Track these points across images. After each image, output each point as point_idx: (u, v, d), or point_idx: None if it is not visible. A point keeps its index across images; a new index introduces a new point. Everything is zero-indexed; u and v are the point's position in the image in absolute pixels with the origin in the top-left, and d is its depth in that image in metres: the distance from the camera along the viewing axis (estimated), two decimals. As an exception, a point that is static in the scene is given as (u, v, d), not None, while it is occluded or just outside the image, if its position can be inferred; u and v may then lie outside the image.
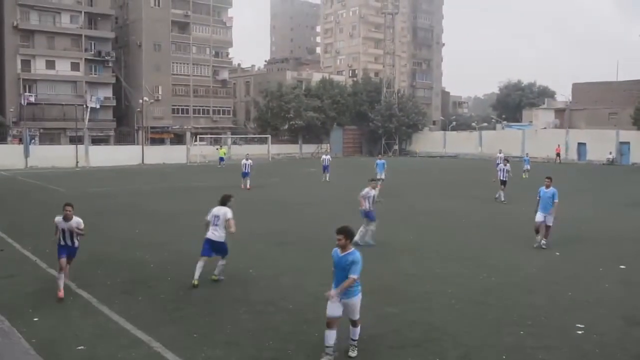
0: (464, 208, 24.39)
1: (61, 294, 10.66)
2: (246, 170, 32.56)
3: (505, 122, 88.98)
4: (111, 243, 16.08)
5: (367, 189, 16.21)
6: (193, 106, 79.67)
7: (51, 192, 31.97)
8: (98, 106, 70.42)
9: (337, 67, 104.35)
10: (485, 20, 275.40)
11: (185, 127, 75.45)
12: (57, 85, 70.10)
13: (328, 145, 77.92)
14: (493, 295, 11.08)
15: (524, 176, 38.27)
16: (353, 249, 7.88)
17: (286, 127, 76.01)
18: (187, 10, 78.65)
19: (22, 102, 66.02)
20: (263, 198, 28.03)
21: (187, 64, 79.20)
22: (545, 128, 73.15)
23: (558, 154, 62.53)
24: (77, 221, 11.04)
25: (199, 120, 79.67)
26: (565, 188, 26.33)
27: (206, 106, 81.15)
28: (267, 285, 11.75)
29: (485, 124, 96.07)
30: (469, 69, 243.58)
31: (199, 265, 11.72)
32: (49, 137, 67.28)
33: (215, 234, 11.88)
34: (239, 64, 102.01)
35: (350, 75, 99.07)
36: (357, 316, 7.97)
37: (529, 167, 41.09)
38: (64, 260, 10.95)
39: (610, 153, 61.95)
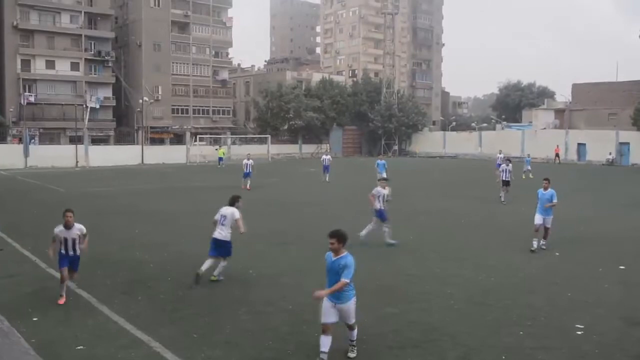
0: (463, 208, 24.38)
1: (62, 300, 10.40)
2: (247, 171, 32.52)
3: (505, 122, 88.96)
4: (111, 243, 16.07)
5: (377, 188, 16.32)
6: (193, 106, 79.69)
7: (51, 192, 31.98)
8: (98, 106, 70.46)
9: (337, 67, 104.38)
10: (485, 21, 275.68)
11: (185, 127, 75.46)
12: (57, 85, 70.14)
13: (328, 145, 77.91)
14: (492, 296, 11.09)
15: (523, 177, 38.25)
16: (346, 252, 7.69)
17: (286, 127, 76.04)
18: (187, 10, 78.69)
19: (22, 101, 66.05)
20: (263, 198, 28.02)
21: (187, 64, 79.22)
22: (544, 128, 73.12)
23: (557, 155, 62.52)
24: (79, 228, 10.57)
25: (198, 120, 79.68)
26: (564, 189, 26.41)
27: (206, 106, 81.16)
28: (267, 286, 11.75)
29: (485, 125, 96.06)
30: (469, 70, 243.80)
31: (207, 262, 11.93)
32: (49, 137, 67.31)
33: (222, 233, 11.97)
34: (238, 64, 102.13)
35: (350, 75, 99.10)
36: (352, 320, 7.87)
37: (529, 167, 41.06)
38: (65, 271, 10.50)
39: (610, 154, 61.91)
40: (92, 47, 72.65)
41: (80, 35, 71.30)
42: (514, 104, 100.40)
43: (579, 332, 9.07)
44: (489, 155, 66.42)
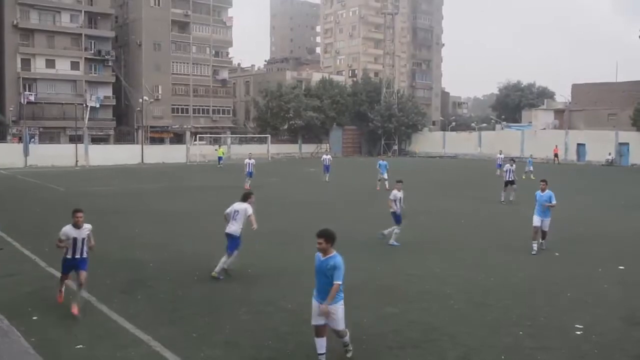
0: (463, 208, 24.38)
1: (61, 299, 10.16)
2: (249, 170, 32.46)
3: (504, 122, 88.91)
4: (111, 242, 16.04)
5: (394, 191, 16.33)
6: (193, 106, 79.70)
7: (51, 191, 31.97)
8: (98, 105, 70.46)
9: (337, 67, 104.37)
10: (485, 21, 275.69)
11: (185, 126, 75.47)
12: (57, 84, 70.12)
13: (328, 145, 77.88)
14: (492, 296, 11.09)
15: (524, 177, 38.25)
16: (334, 252, 7.43)
17: (286, 127, 76.03)
18: (187, 9, 78.69)
19: (22, 101, 66.11)
20: (263, 198, 27.92)
21: (187, 63, 79.23)
22: (544, 129, 73.12)
23: (556, 155, 62.49)
24: (88, 228, 10.02)
25: (198, 120, 79.70)
26: (564, 189, 26.39)
27: (206, 106, 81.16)
28: (267, 285, 11.74)
29: (485, 125, 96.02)
30: (469, 70, 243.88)
31: (234, 256, 12.25)
32: (49, 136, 67.30)
33: (232, 227, 12.19)
34: (238, 64, 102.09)
35: (350, 75, 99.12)
36: (341, 326, 7.55)
37: (531, 168, 41.01)
38: (65, 277, 10.20)
39: (610, 154, 61.92)
40: (92, 47, 72.63)
41: (81, 34, 71.30)
42: (513, 104, 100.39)
43: (579, 332, 9.07)
44: (488, 155, 66.47)
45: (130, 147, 65.27)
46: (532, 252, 14.78)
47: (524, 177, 38.22)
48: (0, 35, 67.01)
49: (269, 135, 72.75)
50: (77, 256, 9.86)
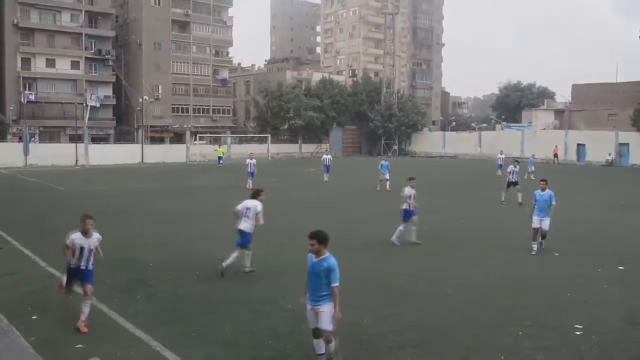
0: (463, 208, 24.39)
1: (62, 294, 9.63)
2: (251, 170, 32.38)
3: (504, 122, 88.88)
4: (110, 242, 15.98)
5: (407, 189, 16.31)
6: (193, 105, 79.70)
7: (51, 191, 31.97)
8: (98, 105, 70.43)
9: (337, 67, 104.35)
10: (485, 21, 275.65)
11: (185, 126, 75.40)
12: (57, 83, 70.10)
13: (328, 145, 77.88)
14: (492, 296, 11.09)
15: (525, 177, 38.18)
16: (328, 254, 7.28)
17: (286, 126, 75.98)
18: (188, 9, 78.68)
19: (22, 100, 66.11)
20: (264, 198, 27.98)
21: (187, 63, 79.23)
22: (544, 129, 73.09)
23: (556, 155, 62.47)
24: (97, 237, 9.36)
25: (198, 120, 79.69)
26: (564, 189, 26.35)
27: (206, 105, 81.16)
28: (266, 285, 11.74)
29: (485, 125, 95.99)
30: (469, 70, 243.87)
31: (246, 254, 12.48)
32: (49, 135, 67.29)
33: (244, 224, 12.44)
34: (239, 64, 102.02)
35: (350, 75, 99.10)
36: (328, 326, 7.28)
37: (533, 168, 40.94)
38: (67, 288, 9.46)
39: (610, 154, 61.90)
40: (93, 46, 72.61)
41: (81, 33, 71.29)
42: (513, 104, 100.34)
43: (578, 333, 9.07)
44: (488, 155, 66.49)
45: (130, 147, 65.24)
46: (532, 253, 14.74)
47: (525, 177, 38.17)
48: (1, 35, 66.98)
49: (269, 135, 72.76)
50: (83, 266, 9.18)
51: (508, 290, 11.55)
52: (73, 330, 8.88)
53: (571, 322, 9.46)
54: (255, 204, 12.55)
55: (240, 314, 9.81)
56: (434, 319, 9.67)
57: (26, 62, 68.44)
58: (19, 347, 8.35)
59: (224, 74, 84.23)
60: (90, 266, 9.28)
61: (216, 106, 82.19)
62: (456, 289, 11.51)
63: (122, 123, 75.84)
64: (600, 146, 62.43)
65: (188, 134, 70.47)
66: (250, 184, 31.60)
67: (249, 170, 32.52)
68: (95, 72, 73.22)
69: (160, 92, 75.50)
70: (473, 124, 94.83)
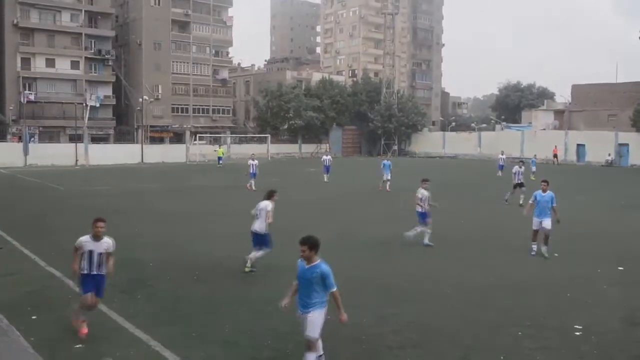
0: (463, 208, 24.37)
1: (85, 329, 8.63)
2: (253, 171, 32.28)
3: (504, 123, 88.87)
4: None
5: (421, 190, 16.28)
6: (193, 105, 79.69)
7: (50, 191, 31.97)
8: (98, 105, 70.41)
9: (337, 67, 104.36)
10: (485, 22, 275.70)
11: (185, 126, 75.38)
12: (57, 83, 70.07)
13: (328, 145, 77.92)
14: (492, 296, 11.10)
15: (531, 177, 38.03)
16: (319, 260, 7.08)
17: (286, 126, 75.96)
18: (188, 9, 78.67)
19: (22, 100, 66.13)
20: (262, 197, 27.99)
21: (187, 63, 79.22)
22: (544, 129, 73.11)
23: (555, 155, 62.50)
24: (108, 242, 8.81)
25: (198, 120, 79.68)
26: (564, 189, 26.35)
27: (206, 105, 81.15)
28: (266, 285, 11.73)
29: (485, 125, 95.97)
30: (469, 70, 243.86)
31: (252, 254, 12.63)
32: (49, 135, 67.27)
33: (256, 225, 12.69)
34: (239, 64, 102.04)
35: (350, 75, 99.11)
36: (313, 333, 7.08)
37: (535, 169, 40.83)
38: (90, 296, 8.65)
39: (609, 154, 61.96)
40: (93, 46, 72.58)
41: (81, 33, 71.26)
42: (513, 104, 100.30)
43: (578, 333, 9.08)
44: (488, 155, 66.54)
45: (130, 147, 65.22)
46: (531, 253, 14.73)
47: (532, 178, 38.06)
48: (1, 35, 66.96)
49: (268, 135, 72.75)
50: (94, 272, 8.67)
51: (508, 290, 11.56)
52: (73, 330, 8.88)
53: (571, 323, 9.47)
54: (267, 204, 12.78)
55: (240, 314, 9.81)
56: (434, 319, 9.68)
57: (26, 62, 68.41)
58: (19, 347, 8.36)
59: (224, 74, 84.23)
60: (103, 271, 8.77)
61: (216, 106, 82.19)
62: (456, 289, 11.52)
63: (122, 123, 75.84)
64: (600, 146, 62.48)
65: (188, 134, 70.44)
66: (252, 184, 31.56)
67: (251, 171, 32.31)
68: (95, 72, 73.19)
69: (160, 92, 75.49)
70: (473, 124, 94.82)
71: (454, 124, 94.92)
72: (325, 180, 36.62)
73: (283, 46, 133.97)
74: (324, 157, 39.75)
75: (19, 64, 67.58)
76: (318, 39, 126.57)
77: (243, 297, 10.88)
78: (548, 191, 14.79)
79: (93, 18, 73.31)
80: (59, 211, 23.02)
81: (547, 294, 11.35)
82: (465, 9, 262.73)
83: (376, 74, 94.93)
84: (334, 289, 7.03)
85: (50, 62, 69.65)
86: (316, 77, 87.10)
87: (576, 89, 74.85)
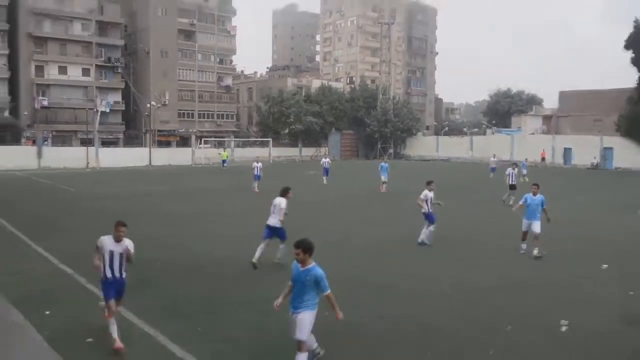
0: (458, 210, 24.34)
1: (119, 343, 7.93)
2: (257, 173, 32.19)
3: (495, 127, 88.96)
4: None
5: (425, 192, 16.24)
6: (198, 111, 79.66)
7: (62, 192, 31.99)
8: (108, 110, 70.37)
9: (336, 75, 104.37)
10: (476, 31, 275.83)
11: (191, 130, 75.48)
12: (69, 89, 70.01)
13: (327, 148, 78.00)
14: (484, 295, 11.09)
15: (522, 180, 38.04)
16: (313, 264, 6.98)
17: (286, 131, 76.03)
18: (193, 19, 78.67)
19: (36, 105, 66.19)
20: (265, 199, 28.00)
21: (193, 70, 79.22)
22: (533, 134, 73.21)
23: (543, 159, 62.58)
24: (129, 244, 8.43)
25: (203, 124, 79.68)
26: (551, 191, 26.33)
27: (210, 111, 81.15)
28: (268, 284, 11.72)
29: (476, 130, 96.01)
30: (461, 77, 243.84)
31: (260, 247, 12.90)
32: (61, 139, 67.26)
33: (271, 220, 13.09)
34: (242, 71, 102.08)
35: (348, 82, 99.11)
36: (301, 335, 6.98)
37: (525, 171, 40.82)
38: (113, 304, 8.17)
39: (595, 158, 62.12)
40: (103, 54, 72.59)
41: (91, 42, 71.24)
42: (503, 110, 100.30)
43: (564, 328, 9.10)
44: (479, 158, 66.61)
45: (138, 150, 65.36)
46: (520, 252, 14.68)
47: (522, 180, 38.07)
48: (16, 44, 66.95)
49: (270, 139, 72.73)
50: (117, 275, 8.29)
51: (500, 289, 11.56)
52: (84, 325, 8.92)
53: (558, 319, 9.48)
54: (280, 201, 13.05)
55: (243, 313, 9.81)
56: (430, 317, 9.70)
57: (39, 69, 68.40)
58: (34, 341, 8.40)
59: (228, 80, 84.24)
60: (124, 275, 8.40)
61: (220, 111, 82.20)
62: (452, 288, 11.50)
63: (131, 127, 75.82)
64: (585, 150, 62.71)
65: (193, 138, 70.49)
66: (255, 186, 31.51)
67: (255, 173, 32.26)
68: (105, 79, 73.14)
69: (167, 98, 75.43)
70: (465, 129, 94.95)
71: (447, 128, 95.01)
72: (325, 182, 36.58)
73: (284, 54, 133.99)
74: (323, 160, 39.73)
75: (33, 72, 67.57)
76: (318, 48, 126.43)
77: (245, 295, 10.88)
78: (538, 194, 14.63)
79: (103, 28, 73.28)
80: (71, 212, 23.04)
81: (536, 292, 11.37)
82: (458, 19, 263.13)
83: (373, 81, 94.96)
84: (328, 292, 6.95)
85: (62, 70, 69.64)
86: (316, 84, 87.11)
87: (563, 96, 74.92)
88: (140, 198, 29.11)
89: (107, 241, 8.34)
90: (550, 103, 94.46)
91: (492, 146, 64.85)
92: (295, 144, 78.84)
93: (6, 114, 64.83)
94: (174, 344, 8.23)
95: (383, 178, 31.43)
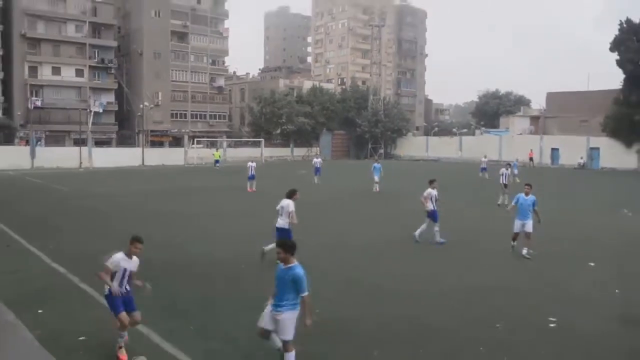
0: (450, 210, 24.29)
1: (124, 356, 7.68)
2: (252, 173, 32.11)
3: (483, 128, 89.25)
4: (113, 240, 15.87)
5: (428, 190, 16.13)
6: (191, 111, 79.45)
7: (55, 192, 31.75)
8: (101, 110, 70.05)
9: (327, 76, 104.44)
10: (465, 34, 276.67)
11: (183, 130, 75.24)
12: (63, 90, 69.67)
13: (318, 148, 78.03)
14: (474, 293, 11.06)
15: (518, 180, 38.03)
16: (295, 263, 6.90)
17: (278, 131, 75.96)
18: (186, 21, 78.45)
19: (29, 106, 65.78)
20: (262, 199, 27.97)
21: (186, 71, 79.00)
22: (521, 134, 73.46)
23: (531, 159, 62.89)
24: (137, 261, 8.10)
25: (196, 125, 79.46)
26: (540, 191, 26.38)
27: (203, 111, 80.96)
28: (265, 283, 11.62)
29: (465, 130, 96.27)
30: (451, 79, 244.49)
31: (272, 244, 12.65)
32: (54, 139, 66.84)
33: (280, 221, 13.01)
34: (234, 72, 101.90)
35: (339, 83, 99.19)
36: (286, 336, 6.91)
37: (516, 172, 40.82)
38: (125, 315, 7.67)
39: (581, 158, 62.50)
40: (96, 55, 72.32)
41: (85, 43, 70.93)
42: (492, 111, 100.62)
43: (552, 325, 9.11)
44: (468, 158, 66.81)
45: (131, 150, 65.06)
46: (511, 250, 14.63)
47: (518, 181, 38.08)
48: (10, 45, 66.56)
49: (262, 140, 72.61)
50: (124, 290, 7.86)
51: (491, 287, 11.54)
52: (76, 323, 8.81)
53: (547, 317, 9.48)
54: (288, 203, 13.01)
55: (239, 311, 9.71)
56: (422, 315, 9.66)
57: (33, 70, 68.03)
58: (25, 340, 8.28)
59: (220, 81, 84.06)
60: (129, 288, 7.97)
61: (213, 112, 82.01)
62: (443, 288, 11.47)
63: (124, 128, 75.49)
64: (572, 150, 63.18)
65: (186, 138, 70.30)
66: (250, 186, 31.35)
67: (250, 173, 32.06)
68: (98, 80, 72.85)
69: (159, 98, 75.19)
70: (454, 130, 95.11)
71: (436, 129, 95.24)
72: (316, 182, 36.44)
73: (276, 56, 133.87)
74: (315, 160, 39.66)
75: (26, 72, 67.19)
76: (309, 49, 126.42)
77: (241, 294, 10.79)
78: (530, 195, 14.51)
79: (97, 29, 73.00)
80: (64, 211, 22.85)
81: (526, 290, 11.38)
82: (447, 22, 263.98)
83: (364, 82, 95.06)
84: (305, 294, 6.78)
85: (56, 71, 69.30)
86: (307, 85, 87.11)
87: (551, 97, 75.25)
88: (134, 197, 28.93)
89: (121, 260, 7.80)
90: (538, 104, 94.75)
91: (481, 146, 65.12)
92: (287, 144, 78.78)
93: (-1, 114, 64.46)
94: (167, 343, 8.14)
95: (376, 178, 31.37)
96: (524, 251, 14.27)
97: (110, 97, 73.75)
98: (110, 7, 74.53)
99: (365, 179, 33.87)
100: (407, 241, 16.13)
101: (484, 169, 42.56)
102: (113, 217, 21.17)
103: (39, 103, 66.35)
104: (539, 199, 14.63)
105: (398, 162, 73.80)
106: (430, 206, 15.91)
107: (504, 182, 26.18)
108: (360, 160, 77.53)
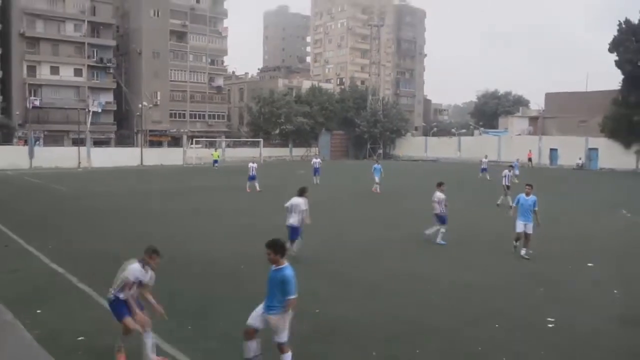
0: (449, 210, 24.26)
1: (123, 358, 7.57)
2: (252, 174, 32.03)
3: (482, 128, 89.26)
4: (111, 240, 15.95)
5: (437, 193, 16.21)
6: (189, 111, 79.39)
7: (54, 191, 31.73)
8: (100, 110, 70.04)
9: (326, 76, 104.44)
10: (464, 33, 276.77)
11: (182, 130, 75.25)
12: (61, 90, 69.59)
13: (317, 148, 78.05)
14: (472, 293, 11.08)
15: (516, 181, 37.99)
16: (285, 264, 6.81)
17: (277, 131, 75.94)
18: (185, 20, 78.40)
19: (28, 105, 65.69)
20: (258, 199, 27.96)
21: (185, 71, 78.96)
22: (519, 134, 73.50)
23: (530, 159, 62.92)
24: (152, 275, 7.87)
25: (195, 125, 79.42)
26: (539, 191, 26.39)
27: (202, 111, 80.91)
28: (263, 282, 11.64)
29: (464, 130, 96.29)
30: (450, 79, 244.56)
31: (295, 244, 13.12)
32: (53, 139, 66.79)
33: (291, 220, 13.24)
34: (233, 72, 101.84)
35: (338, 83, 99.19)
36: (280, 338, 6.82)
37: (517, 172, 40.72)
38: (130, 319, 7.53)
39: (580, 158, 62.54)
40: (95, 55, 72.25)
41: (84, 43, 70.86)
42: (491, 111, 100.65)
43: (550, 325, 9.12)
44: (467, 159, 66.81)
45: (130, 150, 65.01)
46: (513, 251, 14.57)
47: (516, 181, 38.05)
48: (8, 44, 66.47)
49: (261, 139, 72.62)
50: (126, 297, 7.68)
51: (487, 287, 11.56)
52: (75, 323, 8.80)
53: (544, 316, 9.49)
54: (299, 202, 13.21)
55: (239, 311, 9.66)
56: (419, 314, 9.68)
57: (32, 69, 67.95)
58: (24, 340, 8.27)
59: (219, 81, 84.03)
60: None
61: (211, 112, 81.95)
62: (441, 287, 11.49)
63: (123, 127, 75.44)
64: (571, 151, 63.19)
65: (185, 138, 70.37)
66: (250, 186, 31.23)
67: (250, 173, 31.96)
68: (97, 80, 72.78)
69: (158, 98, 75.15)
70: (453, 130, 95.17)
71: (435, 129, 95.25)
72: (315, 182, 36.34)
73: (275, 55, 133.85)
74: (314, 160, 39.60)
75: (25, 72, 67.11)
76: (308, 49, 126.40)
77: (239, 293, 10.78)
78: (531, 195, 14.44)
79: (95, 28, 72.93)
80: (62, 211, 22.83)
81: (523, 289, 11.40)
82: (446, 22, 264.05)
83: (362, 82, 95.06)
84: (292, 297, 6.66)
85: (54, 70, 69.22)
86: (306, 84, 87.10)
87: (549, 97, 75.27)
88: (132, 197, 28.95)
89: (139, 273, 7.60)
90: (537, 104, 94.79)
91: (480, 147, 65.14)
92: (286, 144, 78.78)
93: (-2, 113, 64.38)
94: (165, 342, 8.16)
95: (377, 179, 31.37)
96: (523, 252, 14.28)
97: (109, 97, 73.68)
98: (109, 7, 74.44)
99: (365, 179, 33.87)
100: (406, 241, 16.15)
101: (484, 170, 42.49)
102: (112, 216, 21.16)
103: (37, 102, 66.26)
104: (537, 199, 14.62)
105: (397, 162, 73.75)
106: (438, 209, 15.98)
107: (506, 183, 26.13)
108: (359, 160, 77.56)
